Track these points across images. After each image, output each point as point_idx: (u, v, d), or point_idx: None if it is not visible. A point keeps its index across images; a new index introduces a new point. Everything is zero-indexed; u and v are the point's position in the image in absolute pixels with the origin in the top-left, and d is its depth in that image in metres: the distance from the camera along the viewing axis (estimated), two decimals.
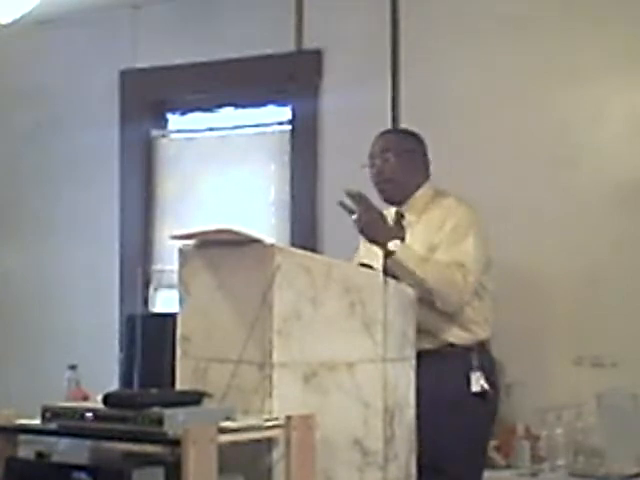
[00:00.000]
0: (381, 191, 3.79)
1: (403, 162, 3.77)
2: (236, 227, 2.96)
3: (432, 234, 3.64)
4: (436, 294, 3.49)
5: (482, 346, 3.68)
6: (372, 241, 3.57)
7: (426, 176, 3.83)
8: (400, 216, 3.78)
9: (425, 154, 3.85)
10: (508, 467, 4.14)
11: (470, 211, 3.70)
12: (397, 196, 3.78)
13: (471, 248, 3.59)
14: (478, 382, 3.59)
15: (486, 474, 4.02)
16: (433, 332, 3.54)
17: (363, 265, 3.55)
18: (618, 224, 4.26)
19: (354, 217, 3.53)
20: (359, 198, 3.52)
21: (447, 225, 3.64)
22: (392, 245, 3.51)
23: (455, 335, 3.62)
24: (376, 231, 3.54)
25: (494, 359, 3.79)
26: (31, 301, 5.59)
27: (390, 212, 3.79)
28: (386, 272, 3.53)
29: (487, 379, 3.62)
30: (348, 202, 3.55)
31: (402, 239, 3.57)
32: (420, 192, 3.78)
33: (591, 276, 4.29)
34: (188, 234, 3.10)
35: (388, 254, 3.51)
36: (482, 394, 3.60)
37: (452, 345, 3.61)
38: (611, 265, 4.26)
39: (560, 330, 4.32)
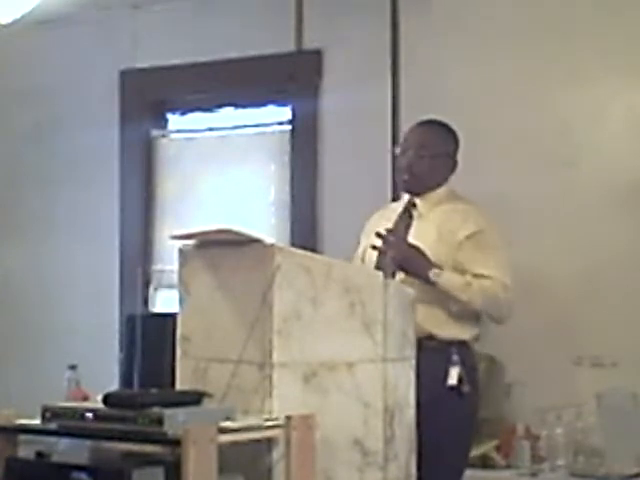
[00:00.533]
0: (404, 181, 3.85)
1: (435, 164, 3.81)
2: (236, 227, 2.96)
3: (444, 229, 3.69)
4: (483, 312, 3.67)
5: (464, 343, 3.69)
6: (413, 275, 3.61)
7: (448, 177, 3.87)
8: (412, 204, 3.82)
9: (456, 158, 3.89)
10: (508, 467, 4.14)
11: (488, 218, 3.75)
12: (417, 189, 3.83)
13: (503, 262, 3.68)
14: (454, 377, 3.58)
15: (486, 474, 4.04)
16: (416, 321, 3.52)
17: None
18: (618, 224, 4.26)
19: (389, 255, 3.59)
20: (388, 236, 3.62)
21: (466, 229, 3.68)
22: (432, 275, 3.58)
23: (438, 328, 3.62)
24: (414, 265, 3.60)
25: (476, 358, 3.79)
26: (31, 301, 5.59)
27: (403, 199, 3.87)
28: (379, 267, 3.63)
29: (467, 376, 3.61)
30: (378, 243, 3.65)
31: (440, 267, 3.61)
32: (440, 190, 3.83)
33: (591, 276, 4.29)
34: (188, 234, 3.10)
35: (430, 284, 3.58)
36: (459, 390, 3.58)
37: (433, 337, 3.61)
38: (611, 265, 4.25)
39: (560, 330, 4.32)
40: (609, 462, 3.91)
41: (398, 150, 3.90)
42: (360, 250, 3.87)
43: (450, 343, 3.63)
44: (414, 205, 3.82)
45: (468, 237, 3.67)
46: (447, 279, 3.60)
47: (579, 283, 4.31)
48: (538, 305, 4.35)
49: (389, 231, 3.67)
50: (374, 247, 3.67)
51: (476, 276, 3.61)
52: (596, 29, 4.35)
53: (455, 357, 3.60)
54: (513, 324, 4.29)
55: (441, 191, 3.83)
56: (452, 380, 3.58)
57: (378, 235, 3.65)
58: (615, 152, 4.33)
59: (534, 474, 4.04)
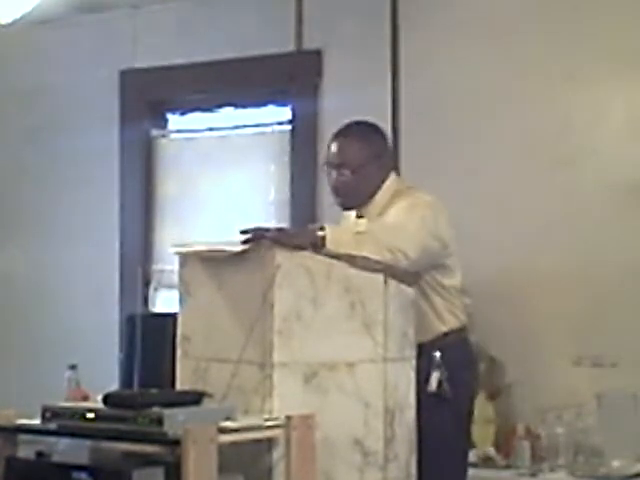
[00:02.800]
0: (337, 202, 3.69)
1: (360, 177, 3.62)
2: (237, 247, 2.97)
3: None
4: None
5: (451, 340, 3.58)
6: (298, 247, 3.19)
7: (386, 175, 3.67)
8: (360, 218, 3.67)
9: (387, 153, 3.72)
10: (508, 467, 4.13)
11: (424, 201, 3.55)
12: (353, 205, 3.67)
13: (419, 235, 3.43)
14: (435, 381, 3.48)
15: (486, 474, 4.04)
16: None
17: None
18: (618, 224, 4.26)
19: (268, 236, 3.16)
20: (253, 231, 3.19)
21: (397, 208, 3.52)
22: (319, 232, 3.27)
23: (418, 334, 3.43)
24: (295, 237, 3.21)
25: (469, 355, 3.72)
26: (31, 301, 5.58)
27: (350, 216, 3.70)
28: None
29: (451, 378, 3.50)
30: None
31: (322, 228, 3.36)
32: (379, 194, 3.65)
33: (591, 276, 4.29)
34: (190, 252, 3.11)
35: (322, 244, 3.24)
36: (438, 394, 3.48)
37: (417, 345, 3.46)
38: (611, 265, 4.25)
39: (560, 330, 4.32)
40: (609, 462, 3.91)
41: (324, 168, 3.71)
42: None
43: (433, 344, 3.52)
44: (361, 218, 3.65)
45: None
46: (334, 231, 3.29)
47: (579, 283, 4.31)
48: (538, 305, 4.35)
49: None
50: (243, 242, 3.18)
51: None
52: (596, 29, 4.35)
53: (437, 360, 3.49)
54: (513, 324, 4.31)
55: (381, 195, 3.64)
56: (431, 386, 3.47)
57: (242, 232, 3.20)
58: (615, 152, 4.32)
59: (534, 474, 4.04)
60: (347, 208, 3.71)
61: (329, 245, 3.24)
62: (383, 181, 3.68)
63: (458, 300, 3.65)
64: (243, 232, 3.13)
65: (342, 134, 3.71)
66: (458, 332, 3.63)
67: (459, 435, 3.64)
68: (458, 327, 3.63)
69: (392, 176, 3.71)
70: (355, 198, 3.67)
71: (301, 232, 3.31)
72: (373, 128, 3.72)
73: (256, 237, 3.10)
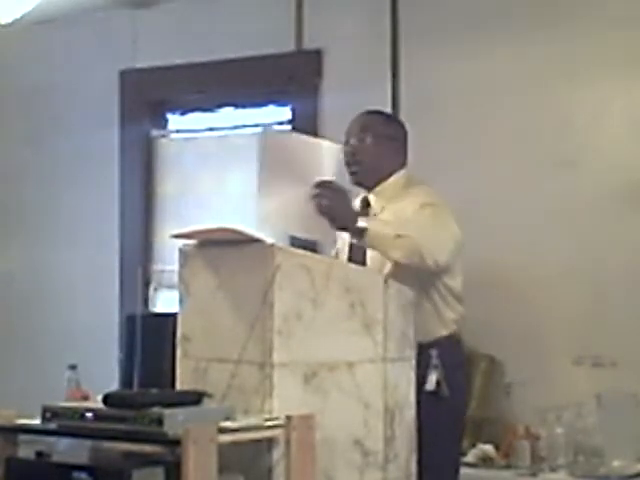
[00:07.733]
0: (351, 173, 3.66)
1: (379, 146, 3.65)
2: (237, 226, 2.96)
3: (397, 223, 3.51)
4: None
5: (447, 342, 3.60)
6: (340, 228, 3.43)
7: (402, 164, 3.71)
8: (366, 204, 3.69)
9: (405, 143, 3.74)
10: (508, 467, 4.13)
11: (440, 202, 3.57)
12: (367, 180, 3.67)
13: (445, 239, 3.50)
14: (433, 382, 3.49)
15: (486, 474, 4.04)
16: None
17: None
18: (618, 224, 4.26)
19: (323, 203, 3.35)
20: (327, 184, 3.37)
21: (413, 209, 3.51)
22: (362, 223, 3.38)
23: (417, 333, 3.43)
24: (341, 215, 3.38)
25: (463, 357, 3.73)
26: (31, 301, 5.59)
27: (358, 198, 3.73)
28: (351, 259, 3.58)
29: (447, 378, 3.51)
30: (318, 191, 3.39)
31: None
32: (392, 179, 3.67)
33: (591, 276, 4.29)
34: (188, 233, 3.10)
35: (362, 232, 3.37)
36: (437, 393, 3.49)
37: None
38: (611, 265, 4.25)
39: (560, 330, 4.32)
40: (609, 462, 3.91)
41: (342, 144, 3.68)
42: (335, 249, 3.82)
43: (430, 345, 3.53)
44: (368, 205, 3.67)
45: (414, 211, 3.50)
46: (376, 222, 3.43)
47: (579, 283, 4.31)
48: (538, 305, 4.36)
49: (325, 183, 3.38)
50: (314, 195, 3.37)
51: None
52: (596, 29, 4.35)
53: (435, 361, 3.51)
54: (513, 324, 4.31)
55: (395, 180, 3.67)
56: (430, 385, 3.49)
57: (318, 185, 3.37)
58: (615, 152, 4.33)
59: (534, 474, 4.04)
60: (359, 183, 3.68)
61: (368, 239, 3.38)
62: (397, 168, 3.69)
63: (459, 307, 3.67)
64: (318, 185, 3.34)
65: (366, 112, 3.78)
66: (453, 336, 3.65)
67: (452, 435, 3.64)
68: (454, 331, 3.66)
69: (404, 169, 3.72)
70: (369, 171, 3.66)
71: (349, 216, 3.40)
72: (397, 119, 3.89)
73: (315, 201, 3.35)
